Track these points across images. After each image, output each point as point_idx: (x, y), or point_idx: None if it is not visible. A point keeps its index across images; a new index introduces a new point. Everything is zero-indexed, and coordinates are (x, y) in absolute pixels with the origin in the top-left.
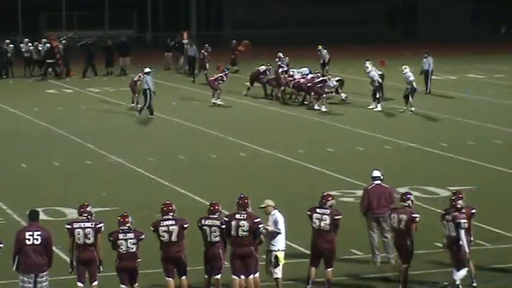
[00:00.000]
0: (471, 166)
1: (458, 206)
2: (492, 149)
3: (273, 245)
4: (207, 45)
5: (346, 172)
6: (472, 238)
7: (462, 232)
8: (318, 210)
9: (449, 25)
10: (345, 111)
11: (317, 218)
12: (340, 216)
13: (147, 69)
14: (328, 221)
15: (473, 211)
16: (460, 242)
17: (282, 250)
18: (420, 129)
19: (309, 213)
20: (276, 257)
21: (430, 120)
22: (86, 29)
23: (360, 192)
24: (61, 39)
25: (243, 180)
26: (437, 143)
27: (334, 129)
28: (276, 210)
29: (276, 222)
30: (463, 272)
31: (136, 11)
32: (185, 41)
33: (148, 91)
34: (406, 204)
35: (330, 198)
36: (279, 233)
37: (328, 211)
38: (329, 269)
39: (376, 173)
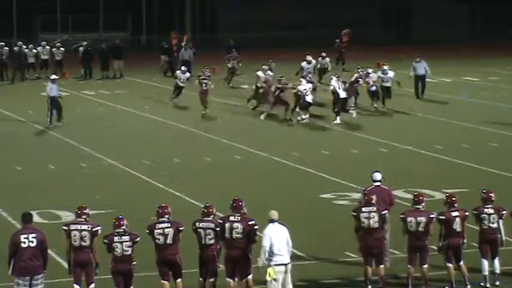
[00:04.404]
0: (466, 169)
1: (493, 199)
2: (488, 152)
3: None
4: (234, 50)
5: (341, 175)
6: (465, 240)
7: (501, 222)
8: (363, 209)
9: (444, 27)
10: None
11: (365, 217)
12: (386, 212)
13: (53, 76)
14: (376, 219)
15: (467, 213)
16: (502, 232)
17: (275, 265)
18: (415, 131)
19: (354, 213)
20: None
21: (425, 122)
22: (80, 31)
23: (354, 195)
24: (55, 42)
25: (238, 182)
26: (433, 146)
27: (329, 132)
28: (270, 224)
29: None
30: (497, 261)
31: (131, 13)
32: (183, 43)
33: (54, 99)
34: (420, 207)
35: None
36: (264, 248)
37: (374, 209)
38: (381, 266)
39: (378, 176)
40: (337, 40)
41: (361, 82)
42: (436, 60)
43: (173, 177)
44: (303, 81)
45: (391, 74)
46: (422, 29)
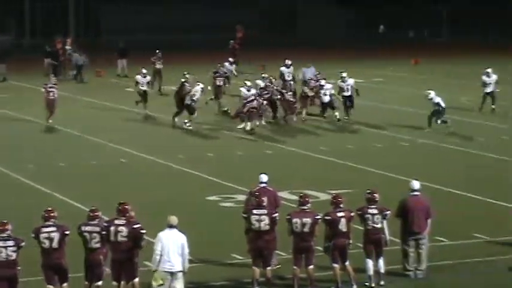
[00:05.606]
0: (351, 170)
1: (377, 200)
2: (371, 153)
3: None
4: (158, 51)
5: (226, 177)
6: (351, 241)
7: (385, 222)
8: (254, 211)
9: (329, 29)
10: (224, 116)
11: (256, 220)
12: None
13: None
14: (267, 221)
15: (352, 214)
16: (386, 232)
17: (162, 271)
18: (301, 133)
19: (245, 215)
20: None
21: (310, 125)
22: None
23: (240, 197)
24: None
25: (123, 186)
26: (317, 147)
27: (216, 135)
28: (167, 229)
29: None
30: (382, 261)
31: (13, 16)
32: (68, 47)
33: None
34: (306, 208)
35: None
36: (154, 252)
37: (265, 211)
38: (268, 268)
39: (264, 178)
40: (231, 41)
41: (306, 90)
42: (320, 62)
43: (58, 181)
44: (200, 84)
45: (350, 81)
46: (305, 30)
